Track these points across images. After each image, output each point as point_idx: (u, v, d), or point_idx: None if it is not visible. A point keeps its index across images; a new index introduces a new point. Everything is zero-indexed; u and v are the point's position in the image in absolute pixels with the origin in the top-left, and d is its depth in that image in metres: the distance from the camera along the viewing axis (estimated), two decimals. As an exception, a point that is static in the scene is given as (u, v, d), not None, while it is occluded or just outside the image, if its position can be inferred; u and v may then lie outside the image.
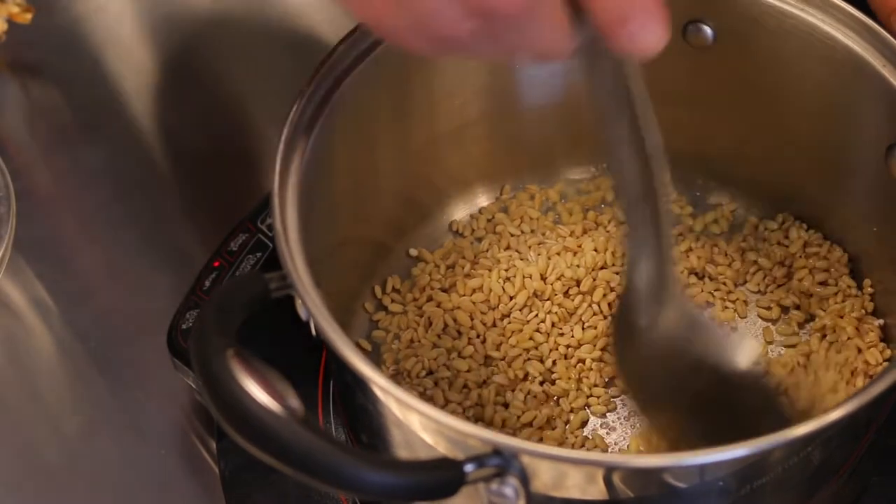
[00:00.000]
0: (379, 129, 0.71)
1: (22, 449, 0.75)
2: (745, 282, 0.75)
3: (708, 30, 0.72)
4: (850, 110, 0.70)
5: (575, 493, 0.58)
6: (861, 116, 0.69)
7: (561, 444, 0.69)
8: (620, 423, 0.71)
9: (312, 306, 0.58)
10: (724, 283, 0.75)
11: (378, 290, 0.75)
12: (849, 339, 0.72)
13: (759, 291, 0.75)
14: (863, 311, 0.73)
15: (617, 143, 0.59)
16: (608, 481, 0.56)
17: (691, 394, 0.64)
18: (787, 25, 0.69)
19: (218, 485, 0.72)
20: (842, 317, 0.73)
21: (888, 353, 0.72)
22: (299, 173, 0.63)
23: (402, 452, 0.62)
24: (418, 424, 0.58)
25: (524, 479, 0.55)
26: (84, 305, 0.81)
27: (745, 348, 0.64)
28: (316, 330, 0.59)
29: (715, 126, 0.76)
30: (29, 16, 0.88)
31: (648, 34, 0.53)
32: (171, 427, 0.76)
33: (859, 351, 0.71)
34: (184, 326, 0.74)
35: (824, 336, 0.73)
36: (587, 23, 0.54)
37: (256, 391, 0.52)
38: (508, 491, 0.55)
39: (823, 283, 0.74)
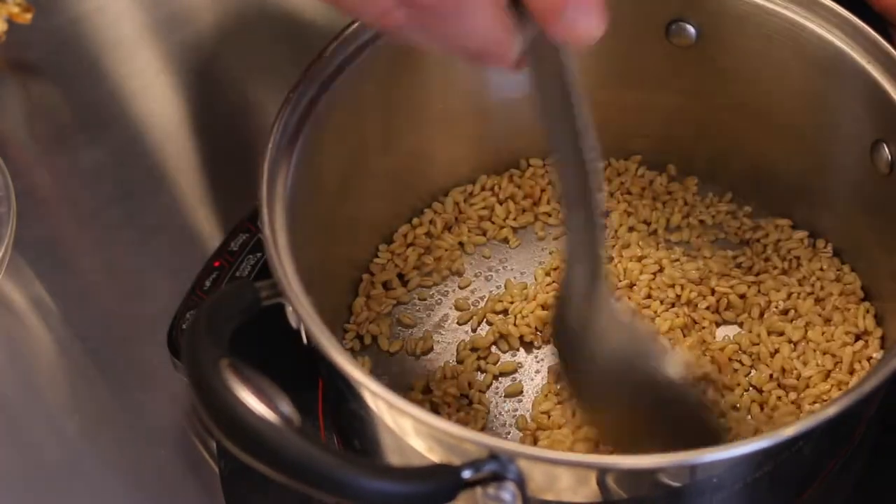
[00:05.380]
0: (366, 132, 0.71)
1: (22, 449, 0.75)
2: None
3: (691, 28, 0.72)
4: (836, 107, 0.70)
5: (573, 496, 0.58)
6: (847, 113, 0.69)
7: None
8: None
9: (303, 312, 0.58)
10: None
11: (367, 292, 0.75)
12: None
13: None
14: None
15: (557, 144, 0.59)
16: (606, 483, 0.56)
17: (626, 398, 0.64)
18: (771, 23, 0.70)
19: (218, 485, 0.72)
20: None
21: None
22: (288, 181, 0.64)
23: (395, 458, 0.62)
24: (411, 429, 0.58)
25: (521, 483, 0.55)
26: (84, 305, 0.81)
27: (675, 361, 0.64)
28: (307, 336, 0.59)
29: (699, 125, 0.76)
30: (29, 16, 0.88)
31: (585, 21, 0.53)
32: (171, 427, 0.76)
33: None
34: (184, 326, 0.74)
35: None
36: (527, 19, 0.54)
37: (251, 400, 0.52)
38: (506, 495, 0.55)
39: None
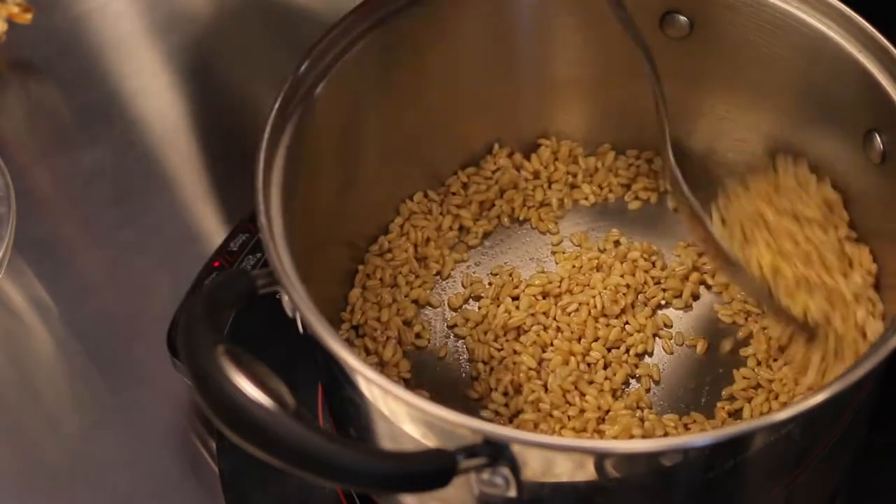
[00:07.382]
0: (362, 124, 0.71)
1: (22, 449, 0.75)
2: None
3: (684, 20, 0.73)
4: (829, 97, 0.70)
5: (565, 479, 0.57)
6: (839, 103, 0.69)
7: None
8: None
9: (298, 299, 0.58)
10: None
11: (363, 283, 0.75)
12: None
13: None
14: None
15: None
16: (599, 466, 0.56)
17: None
18: (763, 13, 0.70)
19: (218, 485, 0.72)
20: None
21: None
22: (283, 169, 0.64)
23: (390, 445, 0.61)
24: (405, 415, 0.58)
25: (515, 467, 0.55)
26: (84, 305, 0.81)
27: None
28: (302, 324, 0.59)
29: (693, 115, 0.76)
30: (29, 16, 0.89)
31: None
32: (171, 427, 0.76)
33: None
34: (183, 326, 0.74)
35: None
36: None
37: (247, 386, 0.52)
38: (499, 480, 0.55)
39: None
